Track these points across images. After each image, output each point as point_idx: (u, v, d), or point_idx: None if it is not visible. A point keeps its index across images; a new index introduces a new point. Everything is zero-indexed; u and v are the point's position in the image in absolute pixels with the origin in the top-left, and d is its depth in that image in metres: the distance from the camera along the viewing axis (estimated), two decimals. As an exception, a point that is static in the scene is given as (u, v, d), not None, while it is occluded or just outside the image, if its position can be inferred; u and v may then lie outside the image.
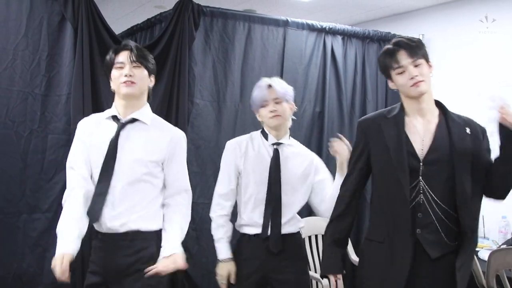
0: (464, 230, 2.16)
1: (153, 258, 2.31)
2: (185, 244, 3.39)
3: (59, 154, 3.14)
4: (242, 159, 2.74)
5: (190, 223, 3.47)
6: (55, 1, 3.16)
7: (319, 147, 4.02)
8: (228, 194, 2.76)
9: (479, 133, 2.22)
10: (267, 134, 2.75)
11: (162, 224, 2.41)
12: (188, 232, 3.43)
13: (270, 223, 2.65)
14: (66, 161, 3.13)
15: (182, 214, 2.48)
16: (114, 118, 2.39)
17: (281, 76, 3.86)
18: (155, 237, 2.37)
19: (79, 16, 3.19)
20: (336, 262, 2.37)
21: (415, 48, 2.19)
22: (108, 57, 2.41)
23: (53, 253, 3.09)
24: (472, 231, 2.19)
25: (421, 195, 2.17)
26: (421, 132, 2.22)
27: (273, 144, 2.74)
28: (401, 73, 2.20)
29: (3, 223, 3.00)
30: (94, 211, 2.29)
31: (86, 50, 3.19)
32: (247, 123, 3.65)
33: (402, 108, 2.29)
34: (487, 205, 3.86)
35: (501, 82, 4.03)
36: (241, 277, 2.68)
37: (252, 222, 2.70)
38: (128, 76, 2.32)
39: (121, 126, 2.36)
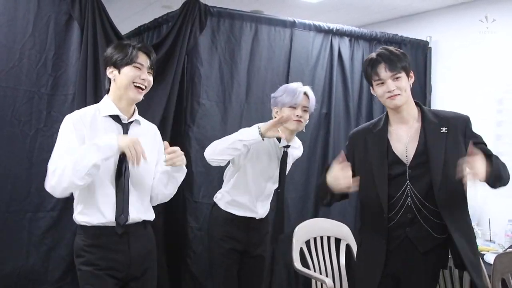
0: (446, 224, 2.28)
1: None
2: (189, 243, 3.42)
3: (64, 153, 3.15)
4: (249, 153, 2.89)
5: (194, 222, 3.49)
6: (62, 1, 3.17)
7: (325, 148, 4.03)
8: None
9: (458, 127, 2.33)
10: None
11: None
12: (192, 231, 3.46)
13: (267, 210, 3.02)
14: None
15: None
16: (115, 117, 2.36)
17: (287, 77, 3.86)
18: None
19: (86, 16, 3.20)
20: None
21: (396, 62, 2.31)
22: (123, 50, 2.33)
23: (58, 251, 3.12)
24: (454, 224, 2.28)
25: (409, 198, 2.33)
26: (404, 139, 2.38)
27: (284, 147, 2.93)
28: (380, 84, 2.34)
29: (9, 221, 3.01)
30: (122, 212, 2.32)
31: (91, 50, 3.19)
32: (252, 123, 3.59)
33: (387, 118, 2.45)
34: (494, 209, 3.90)
35: (508, 84, 4.01)
36: (227, 251, 2.90)
37: (247, 206, 2.92)
38: (143, 81, 2.34)
39: (127, 127, 2.38)
